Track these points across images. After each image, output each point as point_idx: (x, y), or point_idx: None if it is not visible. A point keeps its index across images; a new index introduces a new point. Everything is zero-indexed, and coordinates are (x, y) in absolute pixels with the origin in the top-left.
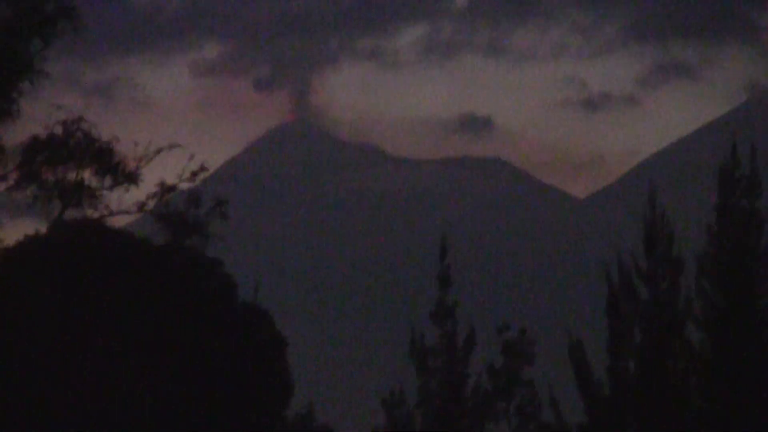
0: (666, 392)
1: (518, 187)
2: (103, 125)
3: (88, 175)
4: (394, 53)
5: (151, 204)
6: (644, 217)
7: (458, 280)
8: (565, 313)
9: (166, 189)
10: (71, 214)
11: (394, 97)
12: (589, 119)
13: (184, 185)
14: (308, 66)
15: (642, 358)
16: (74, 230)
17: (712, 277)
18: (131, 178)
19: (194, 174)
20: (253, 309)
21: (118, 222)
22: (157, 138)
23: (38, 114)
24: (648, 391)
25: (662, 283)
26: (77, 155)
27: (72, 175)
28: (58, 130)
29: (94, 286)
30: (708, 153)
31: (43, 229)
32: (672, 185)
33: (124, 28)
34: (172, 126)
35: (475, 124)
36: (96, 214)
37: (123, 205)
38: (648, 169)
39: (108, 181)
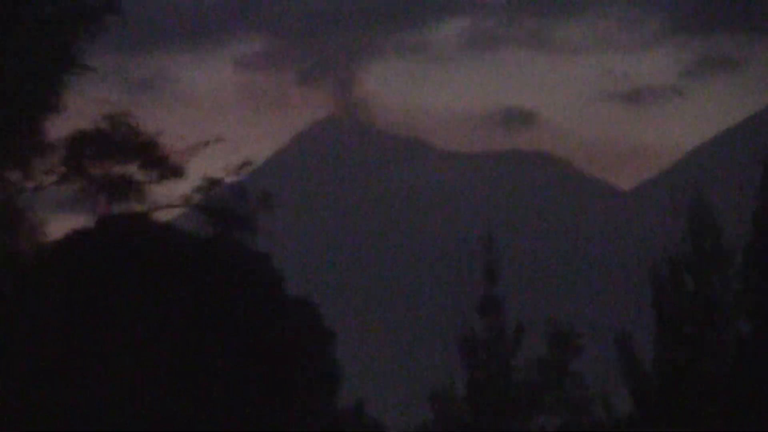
0: (714, 384)
1: (564, 179)
2: (147, 119)
3: (134, 169)
4: (438, 46)
5: (197, 198)
6: (690, 209)
7: (505, 273)
8: (612, 306)
9: (211, 182)
10: (118, 208)
11: (437, 90)
12: (634, 111)
13: (230, 179)
14: (352, 59)
15: (690, 350)
16: (121, 224)
17: (760, 267)
18: (177, 172)
19: (239, 167)
20: (301, 303)
21: (165, 216)
22: (201, 132)
23: (83, 108)
24: (695, 383)
25: (709, 274)
26: (123, 149)
27: (118, 169)
28: (104, 124)
29: (141, 281)
30: (753, 144)
31: (89, 223)
32: (717, 177)
33: (167, 22)
34: (217, 120)
35: (519, 117)
36: (142, 208)
37: (169, 199)
38: (693, 161)
39: (154, 174)
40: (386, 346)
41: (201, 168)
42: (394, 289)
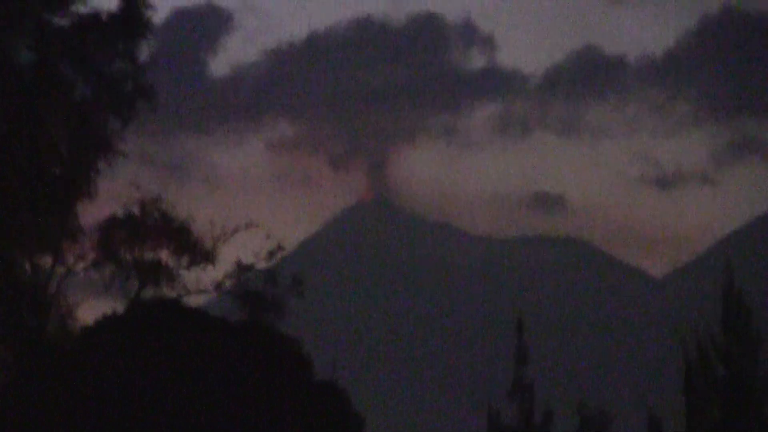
0: None
1: (595, 265)
2: (177, 204)
3: (165, 255)
4: (469, 130)
5: (228, 283)
6: (722, 294)
7: (535, 357)
8: (643, 390)
9: (243, 268)
10: (148, 293)
11: (468, 175)
12: (665, 197)
13: (261, 264)
14: (384, 143)
15: None
16: (151, 309)
17: None
18: (208, 258)
19: (271, 253)
20: (330, 387)
21: (196, 301)
22: (233, 216)
23: (115, 193)
24: None
25: (740, 360)
26: (154, 234)
27: (149, 255)
28: (136, 209)
29: (172, 366)
30: None
31: (120, 308)
32: (750, 264)
33: (198, 106)
34: (248, 204)
35: (549, 202)
36: (173, 293)
37: (200, 284)
38: (725, 248)
39: (185, 260)
40: (417, 429)
41: (233, 252)
42: (426, 372)
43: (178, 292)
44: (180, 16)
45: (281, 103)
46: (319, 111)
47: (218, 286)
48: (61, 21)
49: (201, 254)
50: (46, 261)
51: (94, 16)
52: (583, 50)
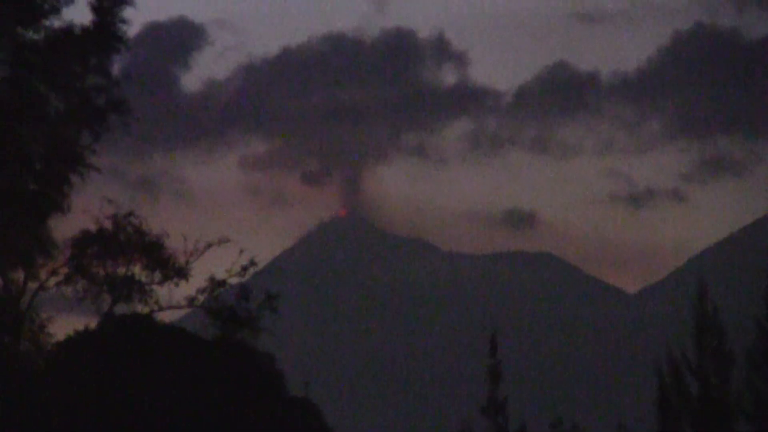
0: None
1: (568, 281)
2: (152, 219)
3: (138, 270)
4: (442, 148)
5: (201, 298)
6: (695, 312)
7: (509, 374)
8: (616, 407)
9: (216, 284)
10: (121, 308)
11: (440, 192)
12: (636, 214)
13: (234, 280)
14: (356, 160)
15: None
16: (124, 325)
17: (762, 372)
18: (181, 273)
19: (244, 268)
20: (303, 403)
21: (168, 317)
22: (206, 233)
23: (87, 207)
24: None
25: (713, 377)
26: (127, 250)
27: (122, 270)
28: (108, 224)
29: (145, 381)
30: (758, 249)
31: (93, 323)
32: (722, 281)
33: (170, 121)
34: (222, 221)
35: (521, 219)
36: (146, 309)
37: (173, 300)
38: (698, 265)
39: (158, 275)
40: None
41: (206, 268)
42: (399, 388)
43: (150, 308)
44: (153, 30)
45: (254, 119)
46: (292, 127)
47: (191, 301)
48: (34, 36)
49: (174, 269)
50: (19, 276)
51: (68, 31)
52: (555, 67)
